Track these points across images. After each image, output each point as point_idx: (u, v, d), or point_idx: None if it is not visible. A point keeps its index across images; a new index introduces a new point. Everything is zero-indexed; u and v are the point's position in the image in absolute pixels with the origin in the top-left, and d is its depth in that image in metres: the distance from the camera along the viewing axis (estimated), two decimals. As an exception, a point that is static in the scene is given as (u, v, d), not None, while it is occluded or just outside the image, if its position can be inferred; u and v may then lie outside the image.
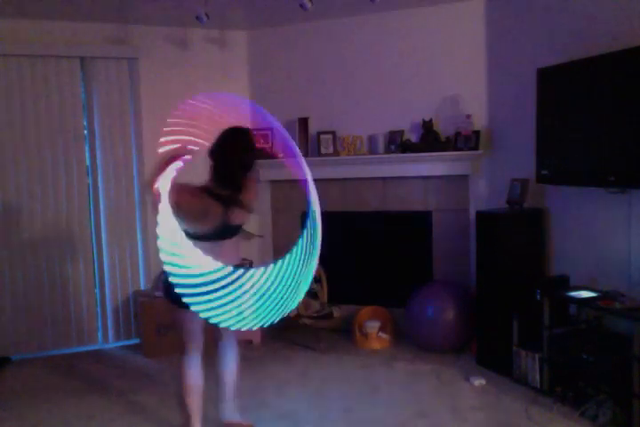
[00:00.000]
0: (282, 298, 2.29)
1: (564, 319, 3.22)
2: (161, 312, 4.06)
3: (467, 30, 4.04)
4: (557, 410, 2.99)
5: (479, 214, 3.64)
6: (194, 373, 2.66)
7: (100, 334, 4.37)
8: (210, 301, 2.15)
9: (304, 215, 4.58)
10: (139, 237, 4.39)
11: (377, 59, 4.29)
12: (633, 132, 2.79)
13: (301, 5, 3.43)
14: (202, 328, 2.65)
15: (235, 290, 2.19)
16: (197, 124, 2.42)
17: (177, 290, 2.14)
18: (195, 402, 2.67)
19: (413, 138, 4.19)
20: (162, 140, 2.30)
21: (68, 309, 4.24)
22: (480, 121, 4.03)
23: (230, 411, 2.84)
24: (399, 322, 4.16)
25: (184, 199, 2.38)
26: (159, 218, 2.15)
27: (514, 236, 3.49)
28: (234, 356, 2.82)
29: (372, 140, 4.31)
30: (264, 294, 2.25)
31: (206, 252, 2.24)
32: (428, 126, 4.06)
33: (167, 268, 2.14)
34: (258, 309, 2.25)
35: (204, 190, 2.49)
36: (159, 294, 4.21)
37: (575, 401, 2.98)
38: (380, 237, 4.50)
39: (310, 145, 4.42)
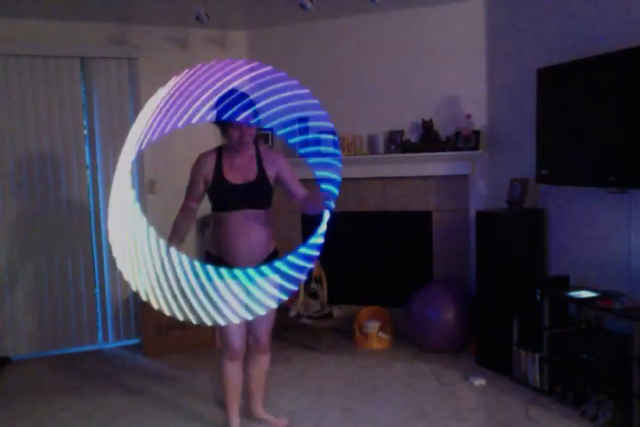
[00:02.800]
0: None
1: (564, 319, 3.22)
2: (161, 312, 4.06)
3: (467, 30, 4.04)
4: (557, 410, 2.99)
5: (479, 214, 3.64)
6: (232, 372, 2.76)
7: (100, 334, 4.37)
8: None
9: (304, 215, 4.61)
10: (139, 237, 4.39)
11: (377, 59, 4.29)
12: (633, 132, 2.79)
13: (302, 5, 3.43)
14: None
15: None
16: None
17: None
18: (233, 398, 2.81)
19: (413, 138, 4.19)
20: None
21: (68, 309, 4.24)
22: (480, 121, 4.03)
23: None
24: (399, 322, 4.16)
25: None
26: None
27: (514, 236, 3.49)
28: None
29: (371, 140, 4.31)
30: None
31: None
32: (427, 126, 4.06)
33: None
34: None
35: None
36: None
37: (575, 401, 2.98)
38: (380, 236, 4.50)
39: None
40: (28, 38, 4.03)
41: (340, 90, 4.41)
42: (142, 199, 4.38)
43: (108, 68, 4.24)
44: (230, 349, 2.69)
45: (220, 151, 2.63)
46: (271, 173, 2.60)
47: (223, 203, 2.57)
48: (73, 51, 4.13)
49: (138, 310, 4.26)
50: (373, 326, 4.11)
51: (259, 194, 2.58)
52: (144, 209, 4.33)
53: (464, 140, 3.98)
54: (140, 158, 4.34)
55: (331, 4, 3.90)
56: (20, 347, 4.12)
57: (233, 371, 2.74)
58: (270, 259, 2.50)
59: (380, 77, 4.29)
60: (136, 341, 4.35)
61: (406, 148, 4.14)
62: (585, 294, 3.08)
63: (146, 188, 4.38)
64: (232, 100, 2.34)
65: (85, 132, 4.25)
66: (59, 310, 4.21)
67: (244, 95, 2.36)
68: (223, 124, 2.50)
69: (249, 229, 2.55)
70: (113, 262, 4.28)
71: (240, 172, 2.57)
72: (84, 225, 4.26)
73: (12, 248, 4.10)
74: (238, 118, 2.32)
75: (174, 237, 2.57)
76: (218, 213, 2.59)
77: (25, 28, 4.02)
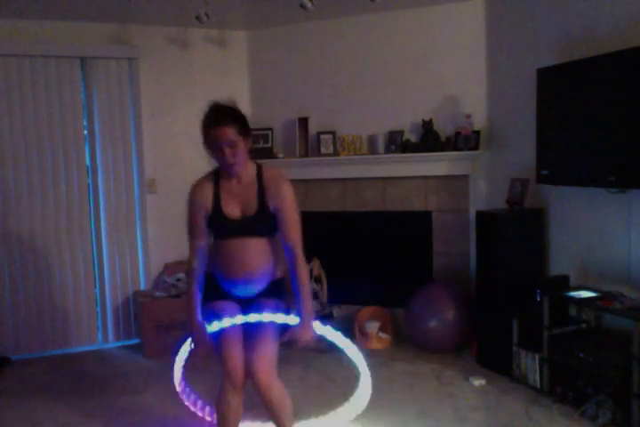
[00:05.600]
0: None
1: (563, 319, 3.22)
2: (161, 312, 4.06)
3: (467, 30, 4.04)
4: (557, 410, 2.99)
5: (479, 214, 3.64)
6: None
7: (100, 334, 4.37)
8: None
9: (304, 214, 4.60)
10: (139, 237, 4.39)
11: (377, 59, 4.29)
12: (633, 132, 2.79)
13: (301, 5, 3.43)
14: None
15: None
16: None
17: None
18: None
19: (413, 138, 4.19)
20: None
21: (68, 309, 4.24)
22: (480, 121, 4.03)
23: None
24: (399, 322, 4.16)
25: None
26: None
27: (514, 236, 3.49)
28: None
29: (372, 140, 4.31)
30: None
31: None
32: (428, 126, 4.06)
33: None
34: None
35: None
36: (159, 294, 4.22)
37: (575, 401, 2.98)
38: (380, 236, 4.50)
39: (310, 145, 4.42)
40: (28, 38, 4.03)
41: (340, 90, 4.41)
42: (142, 199, 4.39)
43: (107, 68, 4.24)
44: (228, 372, 2.47)
45: (216, 175, 2.36)
46: (272, 205, 2.32)
47: (220, 233, 2.37)
48: (73, 51, 4.13)
49: (138, 310, 4.25)
50: (373, 326, 4.10)
51: (258, 228, 2.35)
52: (144, 209, 4.37)
53: (464, 141, 3.98)
54: (139, 158, 4.35)
55: (331, 3, 3.90)
56: (20, 347, 4.12)
57: (232, 400, 2.49)
58: (274, 286, 2.47)
59: (380, 77, 4.29)
60: (136, 341, 4.35)
61: (406, 148, 4.13)
62: (585, 294, 3.08)
63: (146, 188, 4.38)
64: (216, 113, 2.22)
65: (85, 132, 4.25)
66: (59, 310, 4.21)
67: (228, 108, 2.25)
68: (207, 146, 2.27)
69: (245, 254, 2.34)
70: (113, 262, 4.33)
71: (238, 203, 2.33)
72: (83, 225, 4.26)
73: (11, 248, 4.09)
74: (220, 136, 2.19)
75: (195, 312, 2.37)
76: (214, 237, 2.41)
77: (25, 28, 4.02)
